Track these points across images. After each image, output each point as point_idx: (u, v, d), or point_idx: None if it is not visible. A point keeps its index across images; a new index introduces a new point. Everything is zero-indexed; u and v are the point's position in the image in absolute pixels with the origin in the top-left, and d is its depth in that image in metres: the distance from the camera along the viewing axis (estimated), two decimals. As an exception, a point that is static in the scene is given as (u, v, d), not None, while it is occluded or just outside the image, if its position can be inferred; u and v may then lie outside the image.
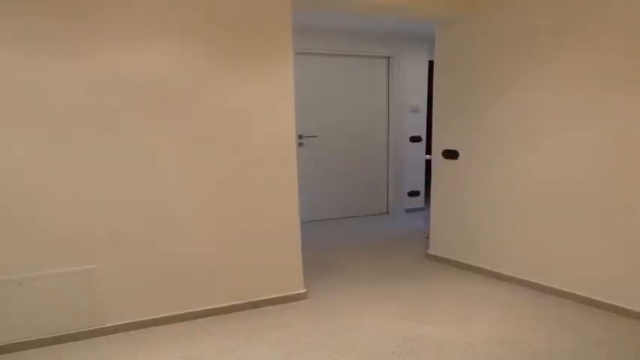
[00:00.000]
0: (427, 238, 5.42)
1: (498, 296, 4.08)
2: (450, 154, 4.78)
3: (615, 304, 3.70)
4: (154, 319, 3.57)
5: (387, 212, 7.49)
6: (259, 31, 3.58)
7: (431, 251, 5.14)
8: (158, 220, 3.49)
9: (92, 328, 3.41)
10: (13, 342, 3.22)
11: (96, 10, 3.10)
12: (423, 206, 7.62)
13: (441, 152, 4.88)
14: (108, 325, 3.45)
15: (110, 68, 3.19)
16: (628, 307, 3.64)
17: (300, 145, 6.57)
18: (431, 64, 7.05)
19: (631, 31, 3.37)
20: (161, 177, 3.44)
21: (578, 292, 3.93)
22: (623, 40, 3.42)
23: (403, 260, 5.11)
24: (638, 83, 3.38)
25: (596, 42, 3.56)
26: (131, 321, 3.51)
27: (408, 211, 7.54)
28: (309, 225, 6.65)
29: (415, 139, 7.36)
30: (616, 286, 3.70)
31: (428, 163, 6.73)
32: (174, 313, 3.63)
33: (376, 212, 7.43)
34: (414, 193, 7.56)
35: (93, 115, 3.19)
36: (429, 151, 7.29)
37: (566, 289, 4.00)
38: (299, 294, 4.04)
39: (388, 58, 7.01)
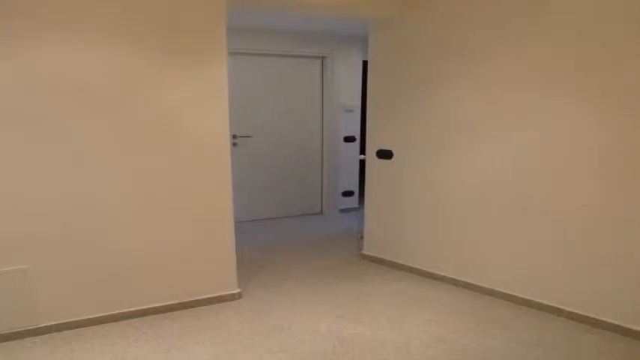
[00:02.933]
0: (361, 238, 5.56)
1: (432, 296, 4.26)
2: (384, 154, 4.94)
3: (549, 304, 3.88)
4: (88, 319, 3.66)
5: (321, 212, 7.65)
6: (193, 30, 3.68)
7: (365, 251, 5.31)
8: (90, 220, 3.57)
9: (25, 329, 3.47)
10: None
11: (24, 9, 3.14)
12: (357, 206, 7.76)
13: (375, 152, 5.04)
14: (41, 325, 3.52)
15: (38, 68, 3.24)
16: (562, 308, 3.82)
17: (234, 145, 6.67)
18: (365, 64, 7.17)
19: (561, 33, 3.55)
20: (91, 177, 3.52)
21: (512, 293, 4.10)
22: (553, 42, 3.59)
23: (337, 260, 5.27)
24: (568, 84, 3.55)
25: (528, 44, 3.73)
26: (65, 321, 3.59)
27: (342, 211, 7.70)
28: (244, 225, 6.75)
29: (349, 139, 7.54)
30: (549, 286, 3.87)
31: (362, 163, 6.79)
32: (108, 314, 3.73)
33: (310, 212, 7.59)
34: (348, 193, 7.73)
35: (21, 116, 3.24)
36: (363, 151, 7.44)
37: (500, 290, 4.17)
38: (233, 294, 4.18)
39: (322, 57, 7.18)
